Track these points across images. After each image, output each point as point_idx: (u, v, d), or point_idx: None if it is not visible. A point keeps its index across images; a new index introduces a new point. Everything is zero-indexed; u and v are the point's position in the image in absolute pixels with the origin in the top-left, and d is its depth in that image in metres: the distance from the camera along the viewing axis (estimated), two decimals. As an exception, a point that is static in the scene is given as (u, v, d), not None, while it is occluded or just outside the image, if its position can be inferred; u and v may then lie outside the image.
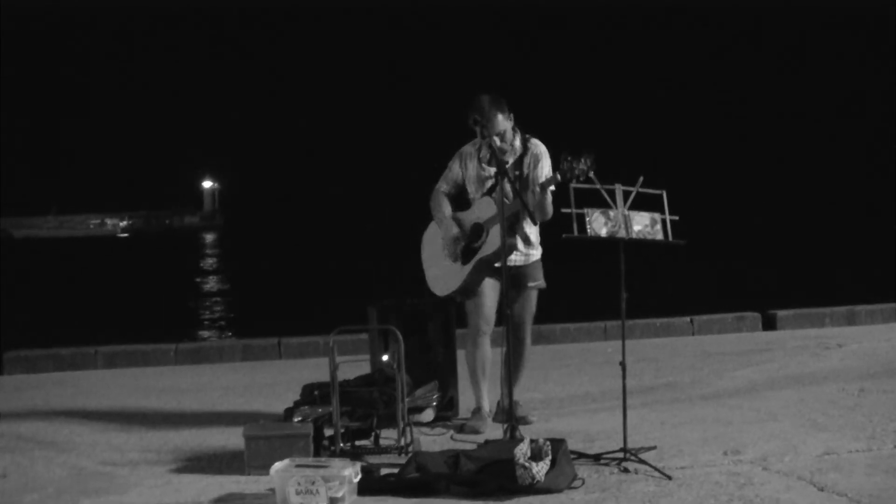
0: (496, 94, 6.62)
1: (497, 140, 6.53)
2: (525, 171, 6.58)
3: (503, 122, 6.55)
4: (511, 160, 6.57)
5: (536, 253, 6.78)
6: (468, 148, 6.81)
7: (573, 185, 5.83)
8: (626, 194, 5.86)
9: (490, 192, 6.61)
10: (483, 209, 6.60)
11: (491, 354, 6.76)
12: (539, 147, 6.68)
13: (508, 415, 6.02)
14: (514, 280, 6.45)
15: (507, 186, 6.41)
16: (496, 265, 6.53)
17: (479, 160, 6.72)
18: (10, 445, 6.54)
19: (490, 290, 6.66)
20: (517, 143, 6.64)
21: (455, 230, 6.67)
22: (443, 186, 6.83)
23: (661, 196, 5.91)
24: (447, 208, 6.78)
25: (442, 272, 6.76)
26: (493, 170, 6.63)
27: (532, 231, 6.71)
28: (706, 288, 11.47)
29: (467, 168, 6.76)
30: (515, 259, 6.57)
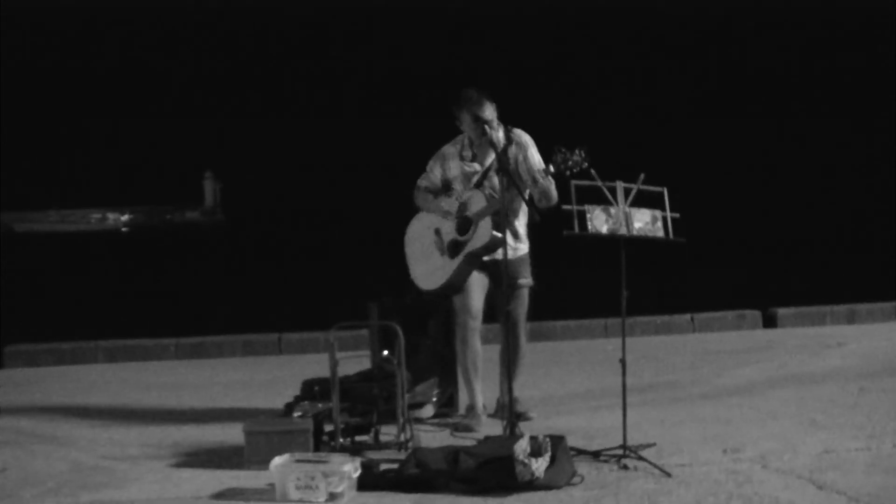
0: (480, 88, 6.60)
1: (490, 132, 6.48)
2: (512, 162, 6.55)
3: (491, 111, 6.54)
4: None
5: (524, 247, 6.73)
6: (448, 148, 6.77)
7: (574, 182, 5.81)
8: (627, 191, 5.86)
9: (477, 186, 6.59)
10: (472, 202, 6.57)
11: (481, 350, 6.71)
12: (523, 136, 6.65)
13: (508, 411, 6.02)
14: (501, 275, 6.29)
15: (496, 179, 6.37)
16: (485, 259, 6.52)
17: (462, 158, 6.69)
18: (10, 440, 6.55)
19: (476, 285, 6.60)
20: (500, 134, 6.62)
21: (455, 205, 6.60)
22: (424, 183, 6.80)
23: (662, 193, 5.91)
24: (436, 199, 6.74)
25: (430, 267, 6.69)
26: (476, 165, 6.63)
27: (520, 224, 6.68)
28: (707, 285, 11.41)
29: (449, 169, 6.72)
30: (503, 253, 6.49)
